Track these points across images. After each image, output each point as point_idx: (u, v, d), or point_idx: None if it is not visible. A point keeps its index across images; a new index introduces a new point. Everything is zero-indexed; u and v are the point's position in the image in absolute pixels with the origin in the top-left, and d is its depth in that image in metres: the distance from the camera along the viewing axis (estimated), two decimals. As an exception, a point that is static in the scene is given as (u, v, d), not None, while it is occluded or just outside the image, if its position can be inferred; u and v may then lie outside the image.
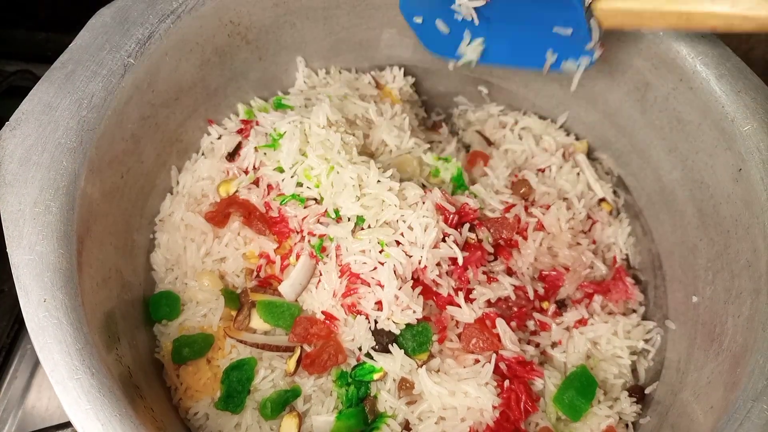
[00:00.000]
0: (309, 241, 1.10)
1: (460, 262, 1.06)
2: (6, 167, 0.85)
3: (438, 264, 1.06)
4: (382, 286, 1.04)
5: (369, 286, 1.05)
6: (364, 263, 1.05)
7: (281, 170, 1.13)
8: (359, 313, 1.06)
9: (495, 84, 1.35)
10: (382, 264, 1.04)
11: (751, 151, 0.93)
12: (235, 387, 1.03)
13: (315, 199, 1.11)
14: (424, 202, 1.07)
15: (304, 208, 1.11)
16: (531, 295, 1.13)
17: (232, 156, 1.18)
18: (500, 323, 1.07)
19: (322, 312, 1.07)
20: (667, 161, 1.11)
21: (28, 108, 0.89)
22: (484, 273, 1.11)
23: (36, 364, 1.25)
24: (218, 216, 1.14)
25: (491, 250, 1.13)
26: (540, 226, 1.17)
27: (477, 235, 1.12)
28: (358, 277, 1.05)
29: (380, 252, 1.04)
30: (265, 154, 1.16)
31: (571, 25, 0.98)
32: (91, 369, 0.76)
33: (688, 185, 1.07)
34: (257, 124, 1.19)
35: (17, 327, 1.25)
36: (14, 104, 0.90)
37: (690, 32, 1.00)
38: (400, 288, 1.03)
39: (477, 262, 1.10)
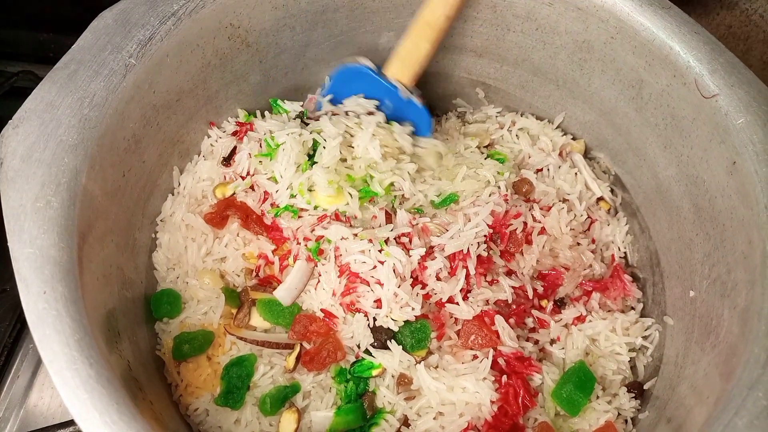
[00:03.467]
0: (306, 245, 1.11)
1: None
2: (8, 164, 0.87)
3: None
4: (381, 285, 1.05)
5: (368, 284, 1.06)
6: (364, 262, 1.05)
7: (275, 180, 1.14)
8: (358, 311, 1.06)
9: (492, 86, 1.36)
10: (382, 263, 1.05)
11: (745, 144, 0.93)
12: (235, 383, 1.04)
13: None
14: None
15: (298, 218, 1.12)
16: (530, 294, 1.14)
17: (227, 160, 1.20)
18: (499, 320, 1.07)
19: (321, 310, 1.08)
20: (662, 158, 1.12)
21: (31, 106, 0.91)
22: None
23: (38, 363, 1.25)
24: (216, 218, 1.15)
25: (500, 262, 1.14)
26: (542, 230, 1.18)
27: (488, 248, 1.13)
28: (358, 276, 1.06)
29: (380, 251, 1.05)
30: (260, 162, 1.17)
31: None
32: (90, 359, 0.77)
33: (683, 181, 1.08)
34: (251, 129, 1.20)
35: (19, 326, 1.26)
36: (17, 105, 0.91)
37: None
38: (399, 286, 1.04)
39: (483, 272, 1.11)
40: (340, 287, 1.07)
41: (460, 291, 1.08)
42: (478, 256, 1.11)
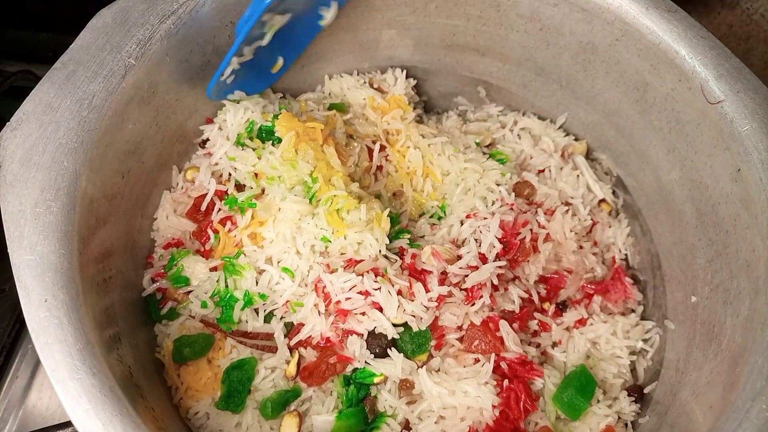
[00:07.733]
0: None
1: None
2: (7, 167, 0.86)
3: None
4: (381, 309, 1.03)
5: (364, 314, 1.04)
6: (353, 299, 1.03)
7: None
8: (356, 333, 1.04)
9: (494, 84, 1.35)
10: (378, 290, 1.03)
11: (750, 152, 0.93)
12: (236, 387, 1.03)
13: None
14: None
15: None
16: (536, 299, 1.14)
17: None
18: (503, 325, 1.06)
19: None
20: (666, 161, 1.12)
21: (29, 108, 0.90)
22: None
23: (37, 363, 1.25)
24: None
25: (509, 275, 1.14)
26: (547, 236, 1.17)
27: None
28: (347, 313, 1.04)
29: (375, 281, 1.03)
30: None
31: None
32: (92, 369, 0.76)
33: (686, 185, 1.07)
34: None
35: (18, 327, 1.25)
36: (15, 105, 0.90)
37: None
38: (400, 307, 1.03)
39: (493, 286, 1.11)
40: (327, 328, 1.04)
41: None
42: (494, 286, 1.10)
